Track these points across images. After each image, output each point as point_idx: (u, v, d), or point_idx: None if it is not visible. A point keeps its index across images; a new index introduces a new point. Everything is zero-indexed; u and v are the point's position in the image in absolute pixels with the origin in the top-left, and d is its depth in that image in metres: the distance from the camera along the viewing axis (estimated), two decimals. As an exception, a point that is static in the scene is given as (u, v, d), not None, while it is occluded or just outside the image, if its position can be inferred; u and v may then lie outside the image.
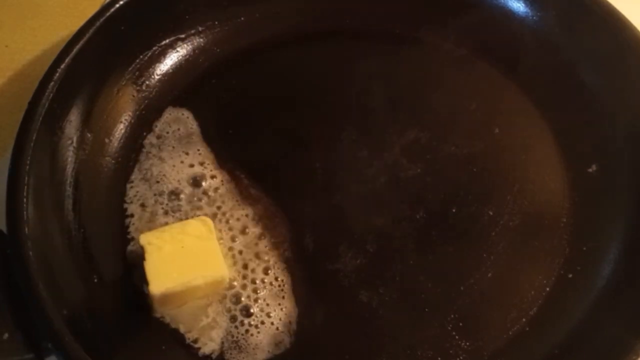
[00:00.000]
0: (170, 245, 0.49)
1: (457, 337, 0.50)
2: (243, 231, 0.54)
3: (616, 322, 0.48)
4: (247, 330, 0.50)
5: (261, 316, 0.50)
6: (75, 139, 0.55)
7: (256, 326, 0.50)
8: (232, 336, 0.50)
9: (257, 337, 0.50)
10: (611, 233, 0.54)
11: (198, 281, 0.49)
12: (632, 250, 0.52)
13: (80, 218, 0.53)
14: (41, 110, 0.51)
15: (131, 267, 0.52)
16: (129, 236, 0.53)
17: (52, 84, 0.52)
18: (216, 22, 0.64)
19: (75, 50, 0.54)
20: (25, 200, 0.47)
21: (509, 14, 0.63)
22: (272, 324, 0.50)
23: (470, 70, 0.63)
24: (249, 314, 0.50)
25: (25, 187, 0.47)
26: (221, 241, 0.53)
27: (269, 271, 0.52)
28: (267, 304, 0.51)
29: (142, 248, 0.49)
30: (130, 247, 0.53)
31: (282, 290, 0.52)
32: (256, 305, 0.51)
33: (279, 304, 0.51)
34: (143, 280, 0.48)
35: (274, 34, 0.62)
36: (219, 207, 0.55)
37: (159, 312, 0.50)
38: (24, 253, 0.45)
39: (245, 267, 0.52)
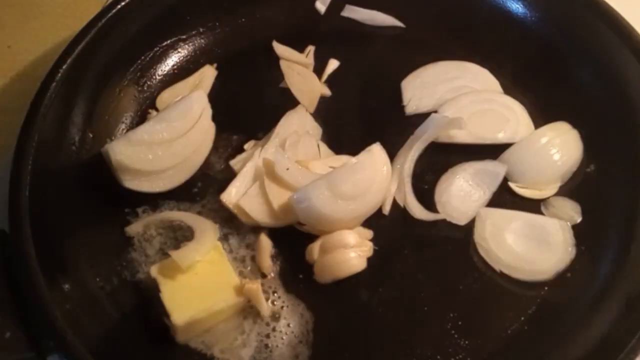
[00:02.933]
0: (183, 273, 0.48)
1: (456, 335, 0.50)
2: (243, 231, 0.54)
3: (614, 322, 0.48)
4: (271, 342, 0.49)
5: (281, 329, 0.50)
6: (76, 139, 0.55)
7: (281, 338, 0.50)
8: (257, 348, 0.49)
9: (280, 348, 0.49)
10: (610, 233, 0.54)
11: (220, 305, 0.48)
12: (631, 250, 0.52)
13: (80, 218, 0.53)
14: (43, 111, 0.51)
15: (134, 275, 0.52)
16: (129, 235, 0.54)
17: (54, 84, 0.52)
18: (217, 23, 0.65)
19: (77, 51, 0.54)
20: (27, 199, 0.47)
21: (508, 14, 0.63)
22: (294, 336, 0.50)
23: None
24: (271, 328, 0.50)
25: (28, 187, 0.48)
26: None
27: (269, 274, 0.52)
28: (286, 316, 0.51)
29: (154, 280, 0.48)
30: (142, 275, 0.52)
31: (288, 295, 0.52)
32: (276, 317, 0.50)
33: (293, 309, 0.51)
34: (162, 312, 0.47)
35: (273, 34, 0.62)
36: (220, 206, 0.55)
37: (183, 340, 0.49)
38: (26, 252, 0.45)
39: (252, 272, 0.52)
